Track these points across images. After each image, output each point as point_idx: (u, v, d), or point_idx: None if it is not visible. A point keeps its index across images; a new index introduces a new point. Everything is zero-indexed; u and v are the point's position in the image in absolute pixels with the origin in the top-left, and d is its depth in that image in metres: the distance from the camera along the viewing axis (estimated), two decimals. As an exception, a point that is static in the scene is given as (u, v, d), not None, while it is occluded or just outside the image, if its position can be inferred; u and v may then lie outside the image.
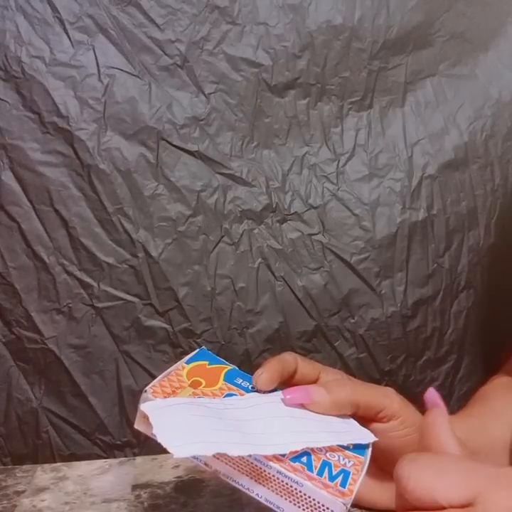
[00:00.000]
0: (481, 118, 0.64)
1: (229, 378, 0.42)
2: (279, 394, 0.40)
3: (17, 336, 0.57)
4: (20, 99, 0.55)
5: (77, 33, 0.55)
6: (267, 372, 0.40)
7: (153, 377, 0.62)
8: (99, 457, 0.59)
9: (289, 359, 0.42)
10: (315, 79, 0.60)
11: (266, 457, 0.34)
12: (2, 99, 0.55)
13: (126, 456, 0.59)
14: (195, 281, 0.59)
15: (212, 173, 0.59)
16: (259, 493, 0.35)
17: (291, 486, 0.34)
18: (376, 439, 0.38)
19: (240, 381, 0.41)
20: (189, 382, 0.40)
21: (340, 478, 0.35)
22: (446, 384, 0.66)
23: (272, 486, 0.35)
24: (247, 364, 0.60)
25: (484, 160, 0.64)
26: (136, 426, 0.37)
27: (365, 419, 0.40)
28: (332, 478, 0.35)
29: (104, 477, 0.54)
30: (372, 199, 0.62)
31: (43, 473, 0.55)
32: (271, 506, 0.35)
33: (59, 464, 0.57)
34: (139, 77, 0.57)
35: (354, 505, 0.42)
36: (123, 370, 0.59)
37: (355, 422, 0.40)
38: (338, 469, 0.35)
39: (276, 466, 0.34)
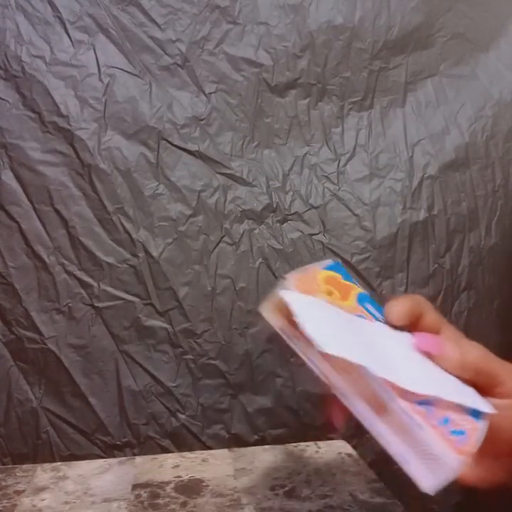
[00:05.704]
0: (482, 118, 0.64)
1: (361, 300, 0.39)
2: (407, 335, 0.37)
3: (17, 336, 0.57)
4: (20, 98, 0.55)
5: (78, 32, 0.55)
6: (401, 306, 0.37)
7: (153, 377, 0.62)
8: (98, 457, 0.59)
9: (421, 301, 0.39)
10: (316, 79, 0.60)
11: (394, 390, 0.32)
12: (2, 99, 0.55)
13: (126, 457, 0.59)
14: (196, 281, 0.59)
15: (213, 173, 0.59)
16: (372, 422, 0.34)
17: (410, 427, 0.33)
18: (495, 411, 0.36)
19: (369, 307, 0.39)
20: (324, 288, 0.38)
21: (458, 436, 0.33)
22: (447, 384, 0.66)
23: (388, 420, 0.33)
24: (248, 365, 0.60)
25: (485, 160, 0.64)
26: (263, 312, 0.35)
27: (480, 390, 0.37)
28: (451, 433, 0.33)
29: (104, 476, 0.54)
30: (372, 199, 0.62)
31: (42, 473, 0.55)
32: (378, 438, 0.33)
33: (59, 463, 0.57)
34: (139, 77, 0.57)
35: None
36: (123, 370, 0.59)
37: (475, 391, 0.37)
38: (458, 428, 0.34)
39: (402, 403, 0.32)
